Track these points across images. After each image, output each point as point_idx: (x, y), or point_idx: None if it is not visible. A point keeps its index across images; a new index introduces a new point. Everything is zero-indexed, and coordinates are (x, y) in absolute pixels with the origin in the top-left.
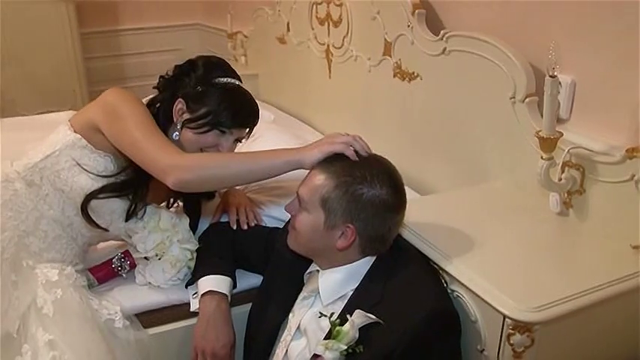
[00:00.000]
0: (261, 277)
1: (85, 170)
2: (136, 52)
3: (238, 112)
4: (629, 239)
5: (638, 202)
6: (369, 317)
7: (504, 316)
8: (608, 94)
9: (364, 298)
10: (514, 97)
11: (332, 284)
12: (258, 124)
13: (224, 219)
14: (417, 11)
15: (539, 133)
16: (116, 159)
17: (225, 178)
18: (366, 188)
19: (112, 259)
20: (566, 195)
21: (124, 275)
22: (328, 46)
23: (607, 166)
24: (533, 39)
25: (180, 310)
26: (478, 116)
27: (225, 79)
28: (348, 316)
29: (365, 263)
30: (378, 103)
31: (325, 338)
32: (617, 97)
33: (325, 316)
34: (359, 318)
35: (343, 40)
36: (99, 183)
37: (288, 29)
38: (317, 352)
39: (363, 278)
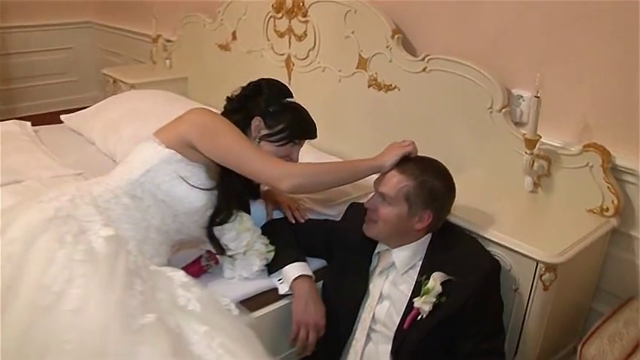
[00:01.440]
0: (321, 261)
1: (185, 181)
2: (23, 51)
3: (308, 127)
4: (585, 206)
5: (591, 182)
6: (446, 276)
7: (537, 262)
8: (558, 106)
9: (433, 265)
10: (491, 108)
11: (405, 258)
12: None
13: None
14: (396, 36)
15: (525, 136)
16: (208, 170)
17: (327, 182)
18: (436, 181)
19: (199, 258)
20: (536, 178)
21: (209, 271)
22: (289, 56)
23: (568, 157)
24: (496, 63)
25: (268, 296)
26: (457, 123)
27: (291, 100)
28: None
29: (426, 239)
30: (348, 109)
31: (412, 297)
32: (566, 108)
33: (421, 281)
34: (439, 277)
35: (309, 53)
36: (195, 192)
37: (234, 38)
38: (415, 306)
39: (427, 250)
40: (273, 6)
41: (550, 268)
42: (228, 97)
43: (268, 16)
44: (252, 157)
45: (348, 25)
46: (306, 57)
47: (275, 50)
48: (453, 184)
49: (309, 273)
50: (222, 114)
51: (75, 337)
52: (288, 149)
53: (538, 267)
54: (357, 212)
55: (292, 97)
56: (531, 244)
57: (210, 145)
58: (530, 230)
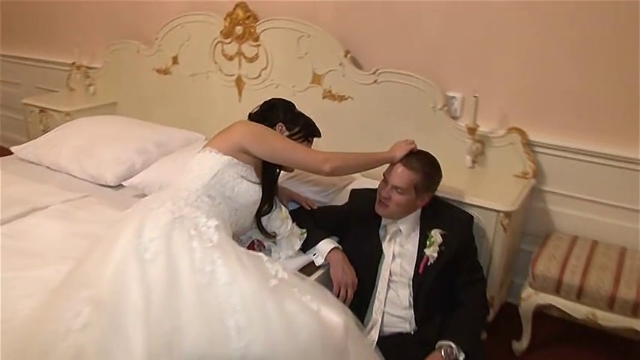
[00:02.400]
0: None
1: (245, 179)
2: None
3: (316, 128)
4: (511, 173)
5: (514, 155)
6: (441, 231)
7: (498, 211)
8: (485, 103)
9: (429, 226)
10: (434, 107)
11: (408, 226)
12: None
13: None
14: (348, 55)
15: (467, 125)
16: (255, 169)
17: (355, 167)
18: (433, 170)
19: (252, 244)
20: (474, 157)
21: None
22: (240, 76)
23: (496, 139)
24: (433, 72)
25: (307, 269)
26: (407, 122)
27: (298, 110)
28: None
29: (418, 211)
30: None
31: (420, 250)
32: (490, 103)
33: (427, 236)
34: (438, 232)
35: (261, 72)
36: (253, 186)
37: (175, 62)
38: (427, 254)
39: (421, 218)
40: (221, 32)
41: (507, 214)
42: (250, 113)
43: (215, 42)
44: (297, 150)
45: (302, 47)
46: (259, 76)
47: (223, 72)
48: (441, 169)
49: (338, 245)
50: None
51: (238, 300)
52: (306, 145)
53: (499, 215)
54: (360, 196)
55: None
56: (493, 202)
57: (263, 147)
58: (479, 193)
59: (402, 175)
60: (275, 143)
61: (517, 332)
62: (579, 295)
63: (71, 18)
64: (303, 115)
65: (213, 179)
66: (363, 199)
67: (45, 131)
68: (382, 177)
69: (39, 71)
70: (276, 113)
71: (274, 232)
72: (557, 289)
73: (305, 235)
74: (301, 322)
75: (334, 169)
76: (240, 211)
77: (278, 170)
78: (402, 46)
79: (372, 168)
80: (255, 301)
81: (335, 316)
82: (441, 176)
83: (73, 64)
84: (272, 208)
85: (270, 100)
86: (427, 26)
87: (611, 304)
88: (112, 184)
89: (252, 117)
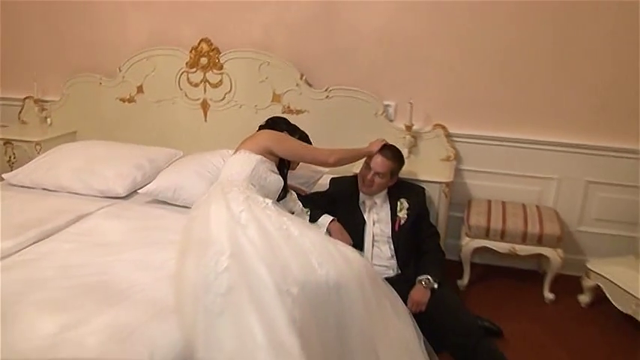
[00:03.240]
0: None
1: (272, 172)
2: None
3: (308, 137)
4: (438, 158)
5: (439, 144)
6: (406, 198)
7: (441, 183)
8: (415, 107)
9: (396, 197)
10: (376, 113)
11: (381, 199)
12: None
13: None
14: (303, 77)
15: (405, 124)
16: (275, 165)
17: (347, 160)
18: (401, 159)
19: None
20: (409, 149)
21: None
22: (205, 100)
23: (425, 134)
24: (372, 86)
25: None
26: (354, 127)
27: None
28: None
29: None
30: None
31: (393, 214)
32: (418, 107)
33: (397, 204)
34: (404, 200)
35: (225, 95)
36: (279, 177)
37: (140, 91)
38: (399, 216)
39: (388, 192)
40: (187, 63)
41: (447, 184)
42: (260, 126)
43: (181, 72)
44: (309, 149)
45: (263, 73)
46: (223, 99)
47: (189, 97)
48: (404, 157)
49: (334, 218)
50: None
51: (309, 245)
52: None
53: (441, 186)
54: (340, 182)
55: None
56: (435, 177)
57: (285, 148)
58: (422, 173)
59: (382, 163)
60: (294, 144)
61: (459, 273)
62: (502, 235)
63: (20, 55)
64: (297, 126)
65: (252, 172)
66: (344, 184)
67: (11, 162)
68: (365, 165)
69: None
70: (280, 126)
71: (291, 211)
72: (487, 234)
73: (309, 212)
74: (350, 257)
75: (337, 161)
76: (268, 196)
77: (288, 166)
78: (347, 67)
79: (358, 160)
80: (321, 244)
81: (357, 255)
82: (404, 163)
83: (26, 98)
84: (286, 193)
85: (272, 117)
86: (365, 49)
87: (524, 238)
88: (122, 195)
89: (262, 128)
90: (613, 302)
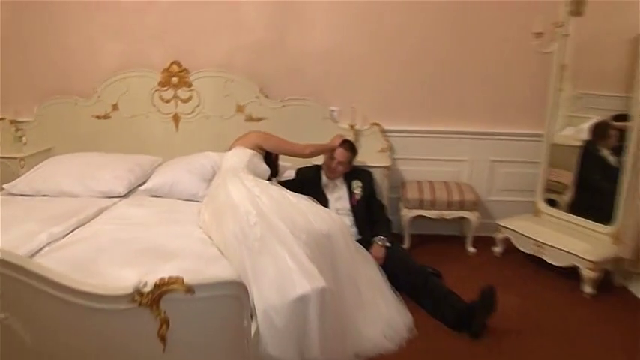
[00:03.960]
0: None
1: (262, 162)
2: None
3: None
4: (376, 150)
5: (376, 139)
6: (359, 179)
7: (385, 167)
8: (350, 109)
9: (350, 178)
10: (323, 117)
11: (340, 181)
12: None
13: None
14: (262, 90)
15: (349, 124)
16: (262, 157)
17: (317, 152)
18: (356, 151)
19: None
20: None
21: None
22: (176, 113)
23: (365, 131)
24: (320, 94)
25: None
26: (306, 129)
27: None
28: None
29: None
30: (231, 135)
31: (349, 192)
32: (358, 109)
33: (352, 184)
34: (357, 181)
35: (194, 109)
36: (266, 167)
37: (116, 108)
38: (355, 193)
39: (344, 176)
40: (159, 83)
41: (388, 168)
42: None
43: (154, 90)
44: (289, 144)
45: (227, 88)
46: (192, 112)
47: (161, 111)
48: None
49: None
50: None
51: (304, 207)
52: None
53: (383, 170)
54: (305, 171)
55: None
56: (375, 163)
57: (271, 144)
58: (367, 161)
59: (343, 154)
60: (278, 141)
61: (401, 240)
62: (432, 205)
63: None
64: None
65: (248, 163)
66: (308, 172)
67: None
68: (329, 156)
69: None
70: None
71: None
72: (420, 205)
73: None
74: (333, 216)
75: (311, 153)
76: None
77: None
78: (297, 80)
79: (325, 153)
80: (311, 207)
81: (336, 215)
82: (357, 153)
83: (1, 119)
84: (270, 180)
85: None
86: (312, 66)
87: (449, 205)
88: (123, 194)
89: None
90: (518, 246)
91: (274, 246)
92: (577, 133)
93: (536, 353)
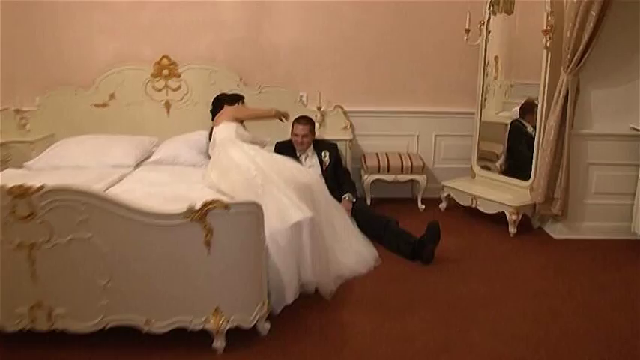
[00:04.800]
0: None
1: (244, 129)
2: None
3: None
4: (339, 128)
5: (340, 119)
6: (327, 150)
7: (347, 140)
8: (316, 94)
9: (320, 149)
10: (295, 101)
11: (310, 152)
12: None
13: None
14: (242, 80)
15: (317, 106)
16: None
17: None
18: (312, 119)
19: None
20: (319, 123)
21: None
22: (167, 100)
23: (330, 112)
24: (291, 82)
25: None
26: (280, 108)
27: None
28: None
29: (312, 144)
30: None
31: (320, 160)
32: (322, 94)
33: (321, 154)
34: (326, 151)
35: (184, 96)
36: (247, 132)
37: (113, 97)
38: (324, 161)
39: (314, 147)
40: (152, 75)
41: (351, 140)
42: (222, 98)
43: (147, 81)
44: (253, 111)
45: (211, 78)
46: (182, 99)
47: (154, 99)
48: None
49: None
50: (225, 105)
51: (289, 164)
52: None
53: (347, 142)
54: (281, 145)
55: None
56: (339, 138)
57: (243, 114)
58: (332, 136)
59: (302, 128)
60: (247, 111)
61: (364, 200)
62: (388, 170)
63: None
64: (234, 94)
65: (236, 132)
66: (285, 145)
67: (5, 161)
68: (293, 134)
69: None
70: (224, 100)
71: None
72: (378, 170)
73: None
74: (310, 172)
75: (277, 113)
76: None
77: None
78: (271, 70)
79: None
80: (294, 164)
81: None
82: (314, 122)
83: (3, 110)
84: None
85: (216, 96)
86: (283, 57)
87: (402, 170)
88: (133, 165)
89: (225, 100)
90: (458, 201)
91: (272, 190)
92: (510, 115)
93: (471, 272)
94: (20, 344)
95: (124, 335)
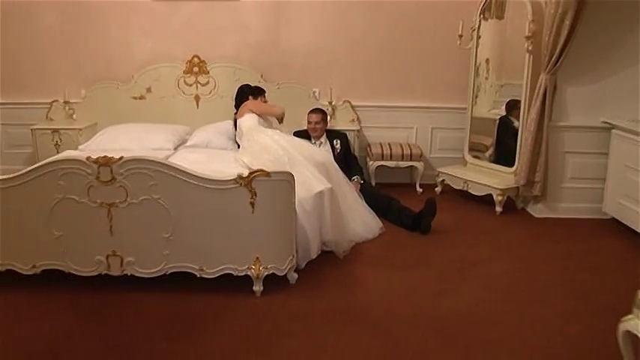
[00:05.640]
0: None
1: (264, 120)
2: None
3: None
4: (348, 120)
5: (348, 112)
6: (338, 139)
7: (355, 130)
8: (327, 90)
9: (331, 137)
10: (309, 96)
11: (324, 139)
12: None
13: None
14: (262, 77)
15: (329, 101)
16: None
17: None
18: (324, 110)
19: None
20: (330, 115)
21: None
22: (197, 94)
23: (339, 106)
24: (306, 78)
25: None
26: (296, 104)
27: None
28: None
29: (325, 133)
30: None
31: (332, 147)
32: (332, 91)
33: (333, 141)
34: (337, 139)
35: (211, 91)
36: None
37: (149, 91)
38: (336, 147)
39: (327, 136)
40: (184, 71)
41: (359, 131)
42: (245, 89)
43: (180, 77)
44: (269, 107)
45: (236, 75)
46: (210, 93)
47: (185, 93)
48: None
49: None
50: (250, 97)
51: (307, 146)
52: (263, 99)
53: (355, 132)
54: (299, 133)
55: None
56: (349, 128)
57: (260, 109)
58: (342, 126)
59: (315, 117)
60: (262, 106)
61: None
62: (390, 157)
63: (44, 70)
64: (257, 87)
65: (259, 122)
66: (301, 134)
67: (57, 145)
68: (308, 123)
69: (7, 112)
70: (247, 93)
71: None
72: (382, 157)
73: None
74: (325, 153)
75: (282, 113)
76: None
77: None
78: (288, 69)
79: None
80: (311, 145)
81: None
82: (326, 112)
83: (53, 101)
84: None
85: (240, 87)
86: (298, 57)
87: (402, 157)
88: (171, 149)
89: (248, 92)
90: (452, 185)
91: (297, 166)
92: (499, 112)
93: (462, 241)
94: (98, 286)
95: (182, 279)
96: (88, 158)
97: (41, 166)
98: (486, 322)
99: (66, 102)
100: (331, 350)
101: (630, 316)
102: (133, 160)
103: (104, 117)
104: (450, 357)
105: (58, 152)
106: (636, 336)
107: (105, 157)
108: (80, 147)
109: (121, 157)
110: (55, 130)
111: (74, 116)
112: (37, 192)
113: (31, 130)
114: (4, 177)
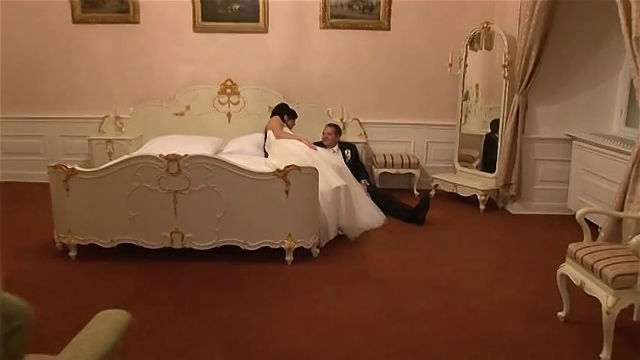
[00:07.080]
0: None
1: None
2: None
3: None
4: (355, 135)
5: (356, 128)
6: (348, 149)
7: (362, 143)
8: (342, 109)
9: (342, 148)
10: (324, 114)
11: (336, 148)
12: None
13: None
14: (284, 97)
15: (341, 119)
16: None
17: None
18: (337, 126)
19: None
20: (342, 130)
21: None
22: (229, 112)
23: (349, 123)
24: (322, 99)
25: None
26: (312, 120)
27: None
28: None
29: (337, 143)
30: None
31: (343, 155)
32: (345, 109)
33: (344, 150)
34: (347, 149)
35: (241, 109)
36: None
37: (188, 108)
38: (347, 155)
39: (339, 147)
40: (218, 92)
41: (366, 143)
42: (279, 106)
43: (214, 97)
44: (279, 131)
45: (262, 96)
46: (240, 111)
47: (219, 111)
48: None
49: None
50: (285, 115)
51: (323, 153)
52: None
53: (362, 145)
54: (316, 144)
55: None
56: (359, 142)
57: (277, 134)
58: (352, 140)
59: (329, 129)
60: (281, 133)
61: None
62: (392, 165)
63: (96, 89)
64: (292, 110)
65: (276, 139)
66: (317, 144)
67: (110, 154)
68: (323, 135)
69: (58, 125)
70: (281, 110)
71: None
72: (385, 165)
73: None
74: (337, 156)
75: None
76: None
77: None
78: (306, 91)
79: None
80: (327, 152)
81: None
82: (339, 127)
83: (105, 117)
84: None
85: (279, 104)
86: (315, 81)
87: (402, 165)
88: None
89: (284, 110)
90: (443, 188)
91: (319, 167)
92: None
93: (451, 230)
94: (163, 257)
95: (229, 252)
96: (160, 155)
97: (123, 161)
98: (467, 281)
99: (117, 117)
100: (344, 298)
101: (563, 264)
102: (196, 157)
103: (149, 130)
104: (436, 302)
105: (110, 159)
106: (567, 276)
107: (173, 154)
108: (133, 154)
109: (186, 155)
110: (109, 141)
111: (123, 129)
112: (118, 181)
113: (88, 140)
114: (94, 169)
